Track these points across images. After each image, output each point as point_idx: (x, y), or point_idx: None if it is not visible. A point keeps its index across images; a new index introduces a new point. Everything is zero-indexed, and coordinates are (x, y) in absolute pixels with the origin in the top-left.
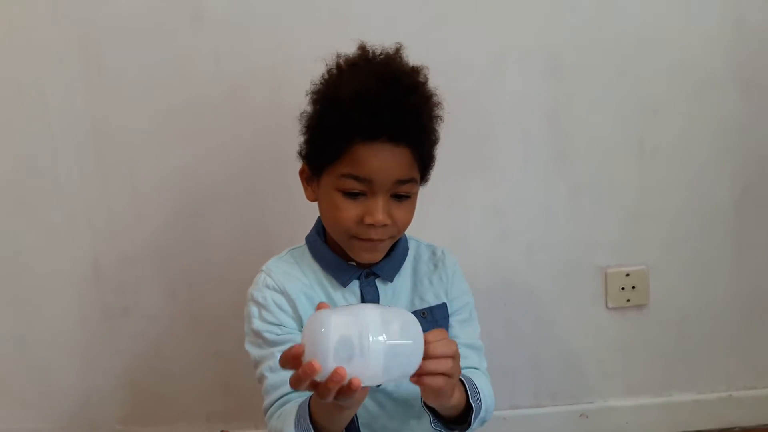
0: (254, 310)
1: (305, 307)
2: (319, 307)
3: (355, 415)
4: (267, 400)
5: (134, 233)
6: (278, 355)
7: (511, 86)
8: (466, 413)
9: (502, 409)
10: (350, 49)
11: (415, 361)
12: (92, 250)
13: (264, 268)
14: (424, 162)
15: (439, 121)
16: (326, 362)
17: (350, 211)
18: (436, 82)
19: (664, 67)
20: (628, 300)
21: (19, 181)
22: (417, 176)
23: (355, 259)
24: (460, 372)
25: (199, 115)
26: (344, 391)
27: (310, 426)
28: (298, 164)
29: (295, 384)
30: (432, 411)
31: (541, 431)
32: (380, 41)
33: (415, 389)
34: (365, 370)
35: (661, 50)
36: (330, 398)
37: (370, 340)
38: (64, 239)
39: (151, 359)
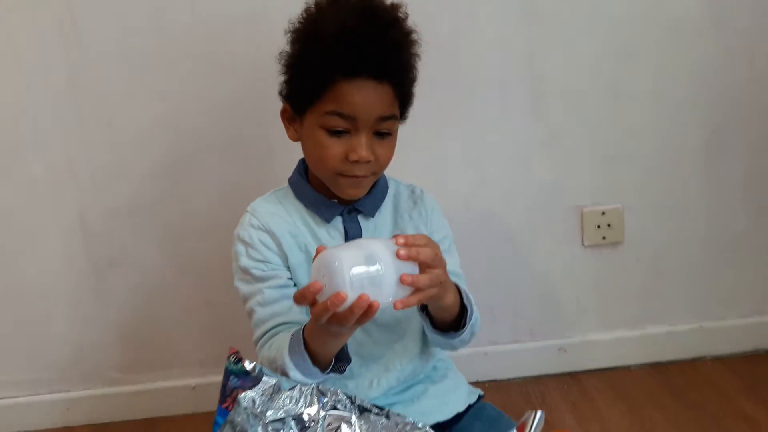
0: (241, 248)
1: (289, 244)
2: (319, 249)
3: (346, 345)
4: (257, 333)
5: (118, 185)
6: (266, 291)
7: (487, 31)
8: (458, 318)
9: (482, 345)
10: None
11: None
12: (77, 203)
13: (249, 208)
14: (404, 99)
15: (418, 59)
16: (346, 292)
17: (335, 148)
18: (414, 24)
19: (638, 10)
20: (604, 237)
21: None
22: (398, 113)
23: (340, 196)
24: (445, 269)
25: (177, 65)
26: (365, 315)
27: (305, 353)
28: (278, 111)
29: (319, 316)
30: (429, 319)
31: (521, 365)
32: None
33: (397, 315)
34: (377, 295)
35: None
36: (351, 323)
37: (380, 267)
38: (48, 194)
39: (142, 309)
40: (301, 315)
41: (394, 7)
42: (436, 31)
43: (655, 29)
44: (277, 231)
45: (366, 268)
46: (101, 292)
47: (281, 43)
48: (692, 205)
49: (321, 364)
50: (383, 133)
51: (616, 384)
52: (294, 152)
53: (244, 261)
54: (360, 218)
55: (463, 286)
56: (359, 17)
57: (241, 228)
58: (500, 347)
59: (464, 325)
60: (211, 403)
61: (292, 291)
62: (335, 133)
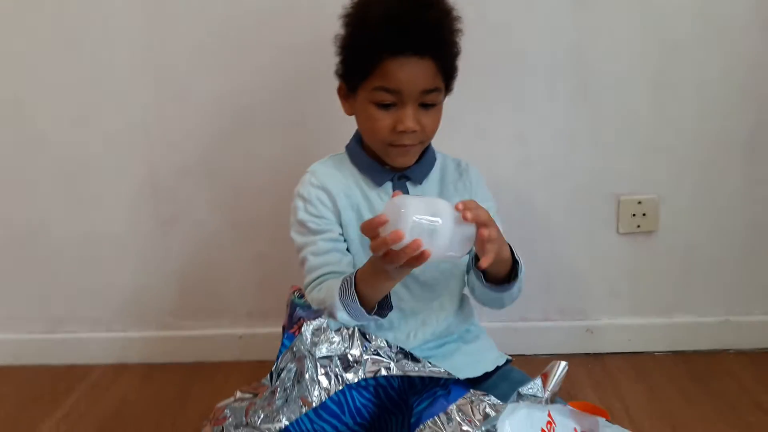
0: (300, 204)
1: (343, 203)
2: (395, 194)
3: (389, 294)
4: (308, 278)
5: (185, 146)
6: (319, 243)
7: (538, 18)
8: (509, 273)
9: (513, 321)
10: None
11: (469, 244)
12: (148, 160)
13: (309, 169)
14: (447, 72)
15: (459, 34)
16: (405, 233)
17: (384, 120)
18: (464, 8)
19: (686, 4)
20: (639, 226)
21: (83, 93)
22: (441, 86)
23: (391, 165)
24: (497, 229)
25: (246, 37)
26: (416, 259)
27: (355, 293)
28: (335, 84)
29: (376, 248)
30: (483, 274)
31: (549, 343)
32: None
33: (438, 274)
34: (431, 245)
35: None
36: (401, 263)
37: (439, 222)
38: (123, 149)
39: (199, 260)
40: (349, 267)
41: None
42: (491, 17)
43: (702, 24)
44: (333, 190)
45: (428, 218)
46: (163, 243)
47: (337, 26)
48: (728, 200)
49: (366, 306)
50: (428, 105)
51: (639, 367)
52: (347, 124)
53: (302, 215)
54: (408, 184)
55: None
56: (401, 1)
57: (301, 186)
58: (530, 324)
59: (516, 276)
60: (256, 352)
61: (343, 245)
62: (384, 106)
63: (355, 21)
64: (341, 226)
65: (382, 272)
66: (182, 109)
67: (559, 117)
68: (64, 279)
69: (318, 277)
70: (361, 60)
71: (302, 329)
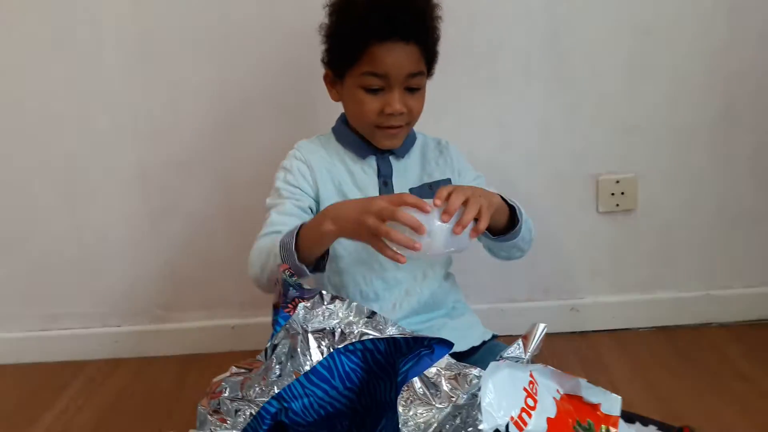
0: (280, 174)
1: (324, 177)
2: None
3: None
4: (263, 230)
5: (175, 139)
6: (287, 205)
7: (515, 5)
8: (510, 222)
9: (499, 302)
10: None
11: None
12: (138, 154)
13: (296, 145)
14: (429, 56)
15: (440, 20)
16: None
17: (372, 104)
18: (446, 1)
19: None
20: (618, 205)
21: (70, 89)
22: (425, 69)
23: (378, 147)
24: (479, 195)
25: (232, 30)
26: (401, 241)
27: (294, 244)
28: (320, 75)
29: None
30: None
31: (535, 322)
32: None
33: None
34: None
35: None
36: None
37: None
38: (113, 144)
39: (190, 253)
40: None
41: None
42: (469, 4)
43: (672, 8)
44: (315, 165)
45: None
46: (154, 236)
47: (322, 14)
48: (703, 177)
49: (304, 260)
50: (413, 89)
51: (623, 343)
52: (335, 111)
53: (279, 183)
54: (391, 158)
55: None
56: None
57: (286, 158)
58: (516, 304)
59: (518, 221)
60: (249, 343)
61: (308, 216)
62: (371, 91)
63: (340, 9)
64: (317, 200)
65: (322, 234)
66: (172, 101)
67: (535, 101)
68: (58, 276)
69: (273, 232)
70: (348, 47)
71: (297, 308)
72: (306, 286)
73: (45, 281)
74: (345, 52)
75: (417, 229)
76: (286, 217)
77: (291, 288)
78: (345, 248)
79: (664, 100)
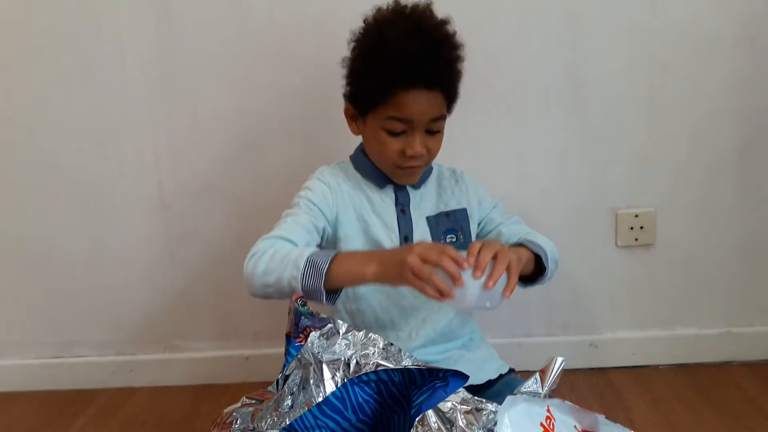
0: (302, 192)
1: (345, 203)
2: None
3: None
4: (275, 233)
5: (195, 166)
6: (304, 218)
7: (534, 40)
8: (538, 267)
9: (516, 336)
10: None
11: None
12: (158, 180)
13: (318, 170)
14: (451, 99)
15: (462, 65)
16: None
17: (394, 145)
18: (464, 33)
19: (673, 25)
20: (636, 239)
21: (96, 117)
22: (446, 112)
23: (397, 182)
24: (507, 251)
25: (253, 61)
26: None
27: (326, 268)
28: (340, 106)
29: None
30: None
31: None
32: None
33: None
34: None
35: (673, 10)
36: (418, 283)
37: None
38: (134, 170)
39: (207, 281)
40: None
41: (444, 23)
42: (488, 39)
43: (691, 43)
44: (337, 189)
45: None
46: (172, 263)
47: (343, 46)
48: (723, 212)
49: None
50: (434, 131)
51: (643, 380)
52: (353, 141)
53: (300, 199)
54: (408, 188)
55: (526, 231)
56: (416, 37)
57: (309, 180)
58: (534, 339)
59: (545, 268)
60: (263, 374)
61: (316, 238)
62: (394, 134)
63: (368, 51)
64: (335, 223)
65: (379, 272)
66: (193, 129)
67: (554, 135)
68: (75, 303)
69: (284, 239)
70: (374, 90)
71: (309, 338)
72: (319, 315)
73: (61, 307)
74: (370, 94)
75: (455, 279)
76: (300, 228)
77: (303, 317)
78: None
79: (683, 134)
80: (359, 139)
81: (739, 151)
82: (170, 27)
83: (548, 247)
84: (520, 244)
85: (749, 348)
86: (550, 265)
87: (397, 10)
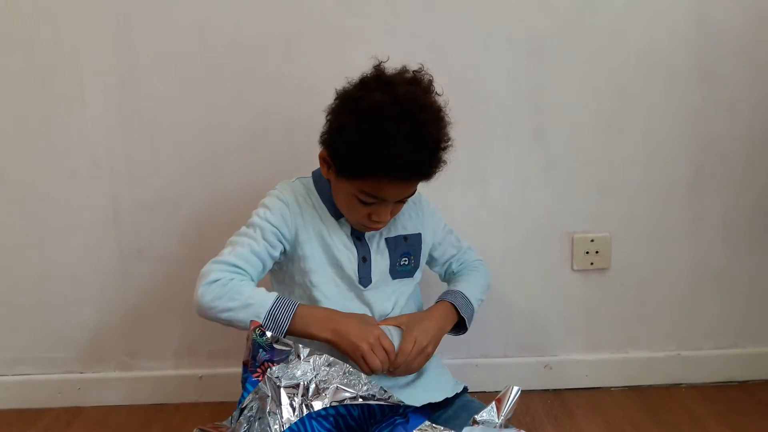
0: (260, 210)
1: (305, 222)
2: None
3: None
4: (226, 258)
5: (151, 181)
6: (260, 244)
7: (498, 66)
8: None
9: (473, 357)
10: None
11: None
12: (112, 195)
13: (277, 186)
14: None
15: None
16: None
17: (362, 211)
18: (429, 57)
19: (633, 55)
20: (592, 263)
21: (49, 127)
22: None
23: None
24: (431, 336)
25: (215, 76)
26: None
27: (290, 318)
28: (304, 126)
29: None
30: None
31: (509, 379)
32: (381, 25)
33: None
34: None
35: (631, 41)
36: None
37: None
38: (87, 184)
39: (161, 299)
40: (258, 276)
41: (440, 113)
42: (452, 61)
43: (650, 73)
44: (296, 208)
45: None
46: (125, 280)
47: (309, 64)
48: (676, 238)
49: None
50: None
51: (596, 403)
52: (315, 162)
53: (258, 219)
54: None
55: (469, 255)
56: (414, 143)
57: (267, 197)
58: (491, 360)
59: (468, 323)
60: (217, 394)
61: (270, 264)
62: (365, 203)
63: (363, 129)
64: (294, 242)
65: (333, 341)
66: (149, 142)
67: (514, 158)
68: (21, 319)
69: (237, 268)
70: (359, 167)
71: (267, 374)
72: (278, 347)
73: (6, 323)
74: (351, 167)
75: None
76: (255, 258)
77: (261, 350)
78: (327, 297)
79: (639, 160)
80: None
81: (691, 177)
82: (130, 38)
83: (478, 291)
84: (451, 302)
85: (698, 371)
86: (476, 308)
87: (400, 98)
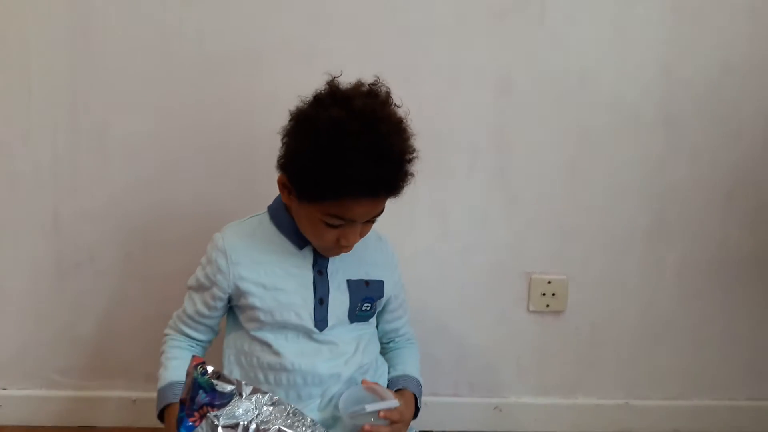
0: (203, 260)
1: (245, 272)
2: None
3: None
4: (177, 325)
5: (97, 191)
6: (200, 308)
7: (465, 99)
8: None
9: (424, 395)
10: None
11: None
12: (53, 202)
13: (224, 228)
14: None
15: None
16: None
17: (329, 235)
18: (394, 86)
19: (599, 99)
20: (548, 305)
21: None
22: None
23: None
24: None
25: (175, 88)
26: None
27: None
28: (264, 146)
29: None
30: None
31: (458, 419)
32: (351, 46)
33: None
34: None
35: (600, 86)
36: None
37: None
38: (27, 188)
39: (97, 315)
40: (204, 336)
41: (402, 125)
42: (416, 94)
43: (613, 120)
44: (237, 258)
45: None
46: (60, 293)
47: (274, 81)
48: (630, 284)
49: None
50: (371, 221)
51: None
52: (270, 182)
53: (200, 272)
54: None
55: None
56: (377, 158)
57: (210, 244)
58: (440, 399)
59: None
60: (151, 419)
61: (215, 322)
62: (332, 225)
63: (321, 148)
64: (234, 292)
65: None
66: (98, 150)
67: (477, 195)
68: None
69: (183, 334)
70: (322, 189)
71: (204, 419)
72: (219, 388)
73: None
74: (314, 190)
75: None
76: (195, 322)
77: (201, 391)
78: (281, 345)
79: (599, 206)
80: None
81: (650, 226)
82: (86, 36)
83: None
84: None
85: (645, 421)
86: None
87: (358, 112)
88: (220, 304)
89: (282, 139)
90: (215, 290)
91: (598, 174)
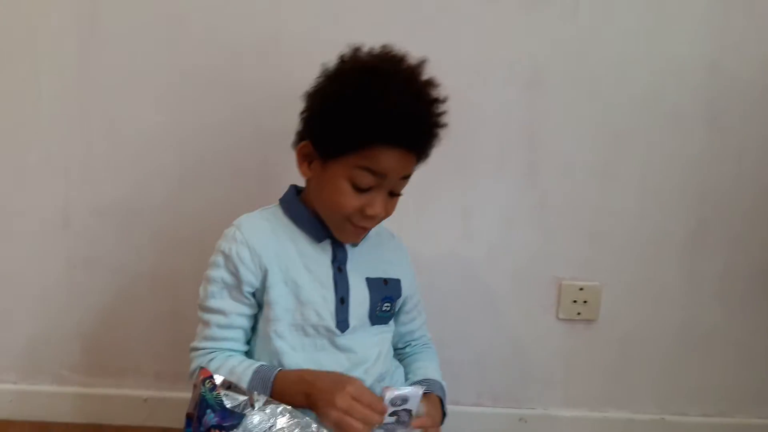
0: (219, 259)
1: (271, 261)
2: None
3: None
4: (205, 344)
5: (108, 186)
6: (230, 315)
7: (494, 94)
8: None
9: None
10: (337, 37)
11: None
12: (64, 197)
13: (235, 222)
14: (421, 162)
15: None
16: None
17: (353, 201)
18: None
19: (636, 96)
20: (579, 313)
21: (2, 120)
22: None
23: (339, 239)
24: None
25: (184, 81)
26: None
27: (269, 389)
28: (275, 139)
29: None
30: None
31: (481, 430)
32: (369, 40)
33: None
34: None
35: (636, 80)
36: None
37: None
38: (38, 182)
39: (108, 312)
40: (243, 346)
41: (436, 86)
42: (446, 87)
43: (651, 118)
44: (260, 248)
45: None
46: (71, 289)
47: (287, 70)
48: (669, 294)
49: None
50: (394, 194)
51: None
52: (289, 178)
53: (218, 271)
54: (347, 244)
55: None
56: (411, 98)
57: (223, 240)
58: (462, 408)
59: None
60: (162, 418)
61: (249, 322)
62: (358, 188)
63: (352, 98)
64: (263, 286)
65: (308, 406)
66: (109, 144)
67: (503, 195)
68: None
69: (216, 349)
70: (351, 137)
71: None
72: (229, 405)
73: None
74: (343, 140)
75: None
76: (228, 331)
77: (209, 410)
78: (293, 349)
79: (635, 210)
80: (294, 176)
81: (690, 233)
82: (94, 27)
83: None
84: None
85: None
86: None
87: (388, 59)
88: (248, 303)
89: (304, 107)
90: (243, 286)
91: (633, 175)
